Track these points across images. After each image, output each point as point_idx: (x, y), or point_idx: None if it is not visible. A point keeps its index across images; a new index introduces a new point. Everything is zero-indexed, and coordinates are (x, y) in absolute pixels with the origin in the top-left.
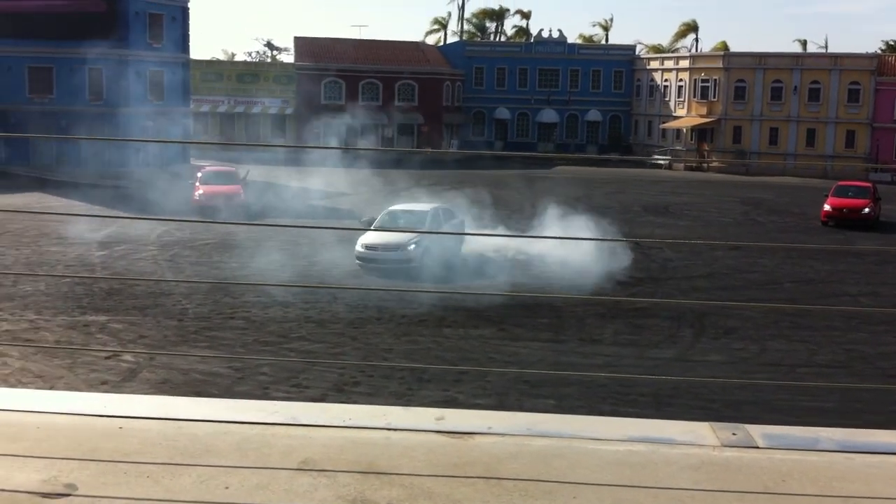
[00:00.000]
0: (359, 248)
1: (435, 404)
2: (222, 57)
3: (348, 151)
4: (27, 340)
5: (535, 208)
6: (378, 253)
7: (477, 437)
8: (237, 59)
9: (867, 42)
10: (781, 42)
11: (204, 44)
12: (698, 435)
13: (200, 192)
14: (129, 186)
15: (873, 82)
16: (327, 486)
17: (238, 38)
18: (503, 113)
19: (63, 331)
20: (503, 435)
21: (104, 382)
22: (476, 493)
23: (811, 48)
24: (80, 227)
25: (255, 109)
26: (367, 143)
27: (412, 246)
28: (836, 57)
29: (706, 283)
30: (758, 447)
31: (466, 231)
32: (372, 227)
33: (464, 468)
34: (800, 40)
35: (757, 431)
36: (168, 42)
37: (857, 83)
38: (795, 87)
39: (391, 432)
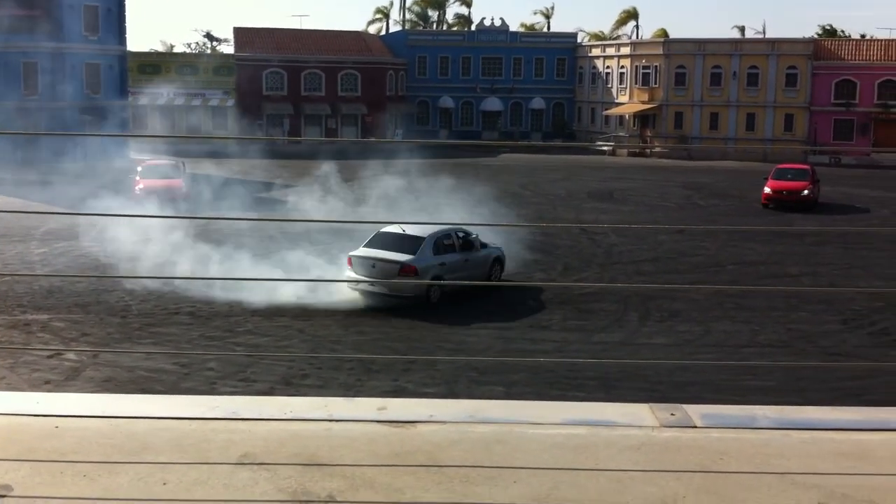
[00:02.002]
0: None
1: (384, 394)
2: (161, 49)
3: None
4: None
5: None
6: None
7: (419, 425)
8: (176, 50)
9: (804, 27)
10: (720, 28)
11: (142, 36)
12: (638, 416)
13: (141, 185)
14: (64, 182)
15: (810, 66)
16: (268, 479)
17: (177, 29)
18: (447, 102)
19: (3, 330)
20: (445, 423)
21: (47, 382)
22: (417, 481)
23: (749, 34)
24: (18, 225)
25: (196, 101)
26: (310, 133)
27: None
28: (774, 42)
29: (651, 268)
30: (696, 427)
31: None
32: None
33: (405, 457)
34: (738, 26)
35: (695, 411)
36: (104, 34)
37: (794, 67)
38: (734, 72)
39: (333, 423)
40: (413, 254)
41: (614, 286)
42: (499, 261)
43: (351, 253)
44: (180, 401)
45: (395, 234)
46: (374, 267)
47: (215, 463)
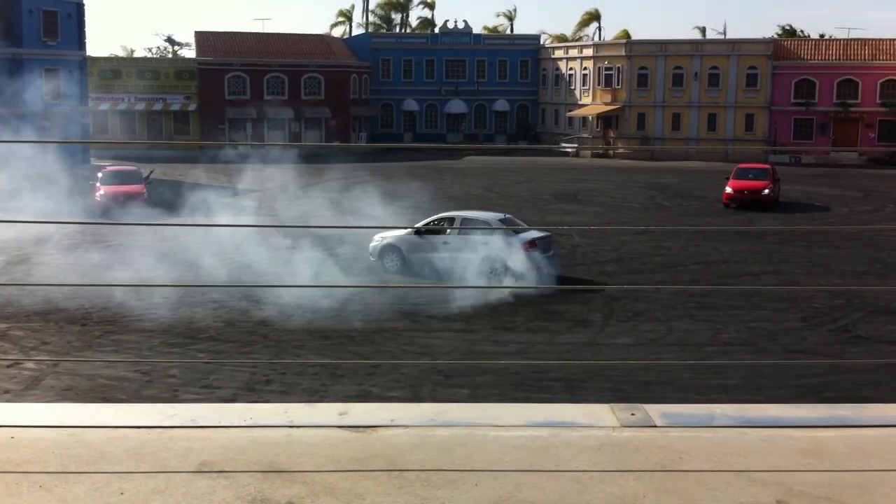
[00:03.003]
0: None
1: (348, 399)
2: (121, 53)
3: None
4: None
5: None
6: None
7: (380, 430)
8: (137, 55)
9: (764, 27)
10: (682, 29)
11: (102, 41)
12: (598, 417)
13: (101, 192)
14: (23, 189)
15: (770, 66)
16: (226, 487)
17: (137, 33)
18: (411, 104)
19: None
20: (406, 427)
21: (6, 391)
22: (378, 486)
23: (710, 34)
24: None
25: (157, 107)
26: (273, 138)
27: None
28: (734, 42)
29: (615, 268)
30: (656, 426)
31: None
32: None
33: (366, 462)
34: (699, 27)
35: (655, 411)
36: (63, 39)
37: (754, 68)
38: (696, 73)
39: (293, 429)
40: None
41: (578, 287)
42: None
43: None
44: (138, 409)
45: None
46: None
47: (174, 471)
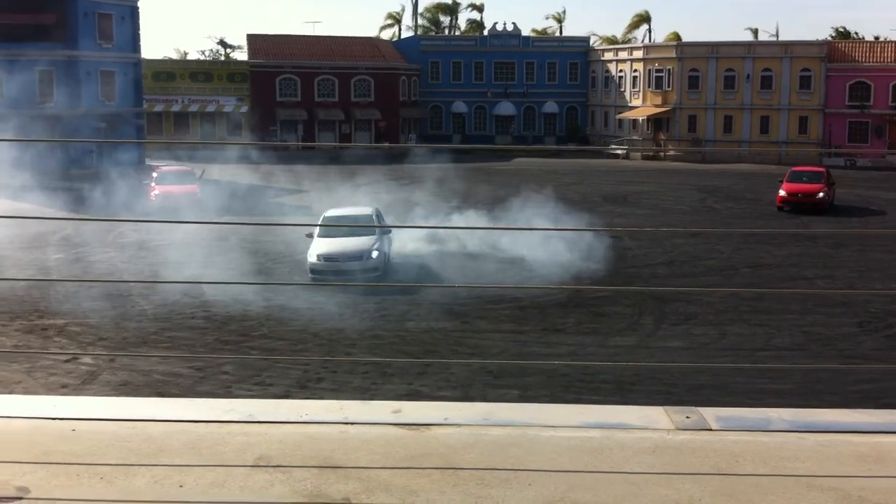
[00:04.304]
0: (313, 259)
1: (399, 398)
2: (175, 56)
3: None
4: None
5: (499, 201)
6: (339, 264)
7: (434, 428)
8: (190, 57)
9: (817, 29)
10: (733, 31)
11: (156, 43)
12: (653, 419)
13: (156, 192)
14: (82, 188)
15: (824, 69)
16: (283, 481)
17: (190, 36)
18: (460, 106)
19: (21, 335)
20: (460, 425)
21: (64, 386)
22: (433, 483)
23: (762, 36)
24: (34, 231)
25: (210, 108)
26: (324, 139)
27: (375, 253)
28: (787, 45)
29: (666, 271)
30: (711, 429)
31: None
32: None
33: (420, 459)
34: (751, 28)
35: (710, 414)
36: (119, 42)
37: (808, 70)
38: (748, 75)
39: (348, 426)
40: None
41: (628, 289)
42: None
43: None
44: (196, 404)
45: None
46: None
47: (231, 465)
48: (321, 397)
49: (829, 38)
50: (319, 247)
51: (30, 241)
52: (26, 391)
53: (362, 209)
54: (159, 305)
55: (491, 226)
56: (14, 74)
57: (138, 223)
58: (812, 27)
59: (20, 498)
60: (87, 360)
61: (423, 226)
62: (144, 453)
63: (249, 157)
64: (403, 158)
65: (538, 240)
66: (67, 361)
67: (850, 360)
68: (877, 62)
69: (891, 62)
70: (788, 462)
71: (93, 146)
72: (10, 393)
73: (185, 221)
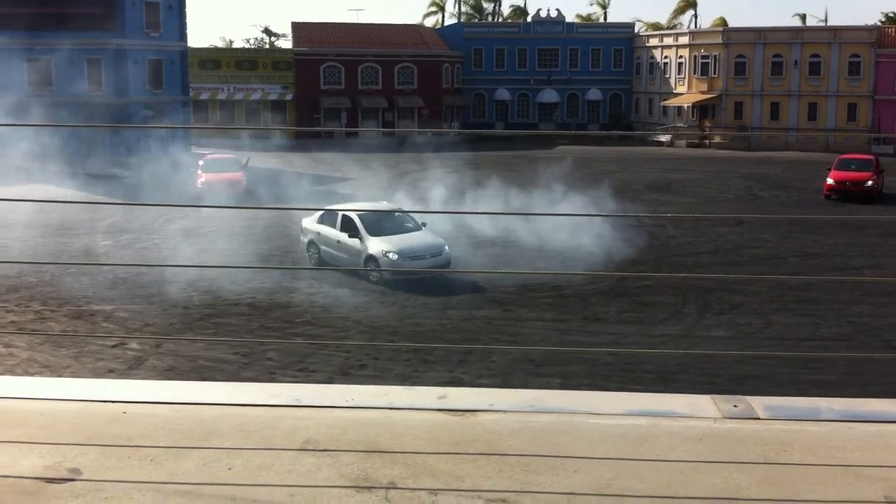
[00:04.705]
0: (393, 256)
1: (440, 385)
2: (220, 44)
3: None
4: (33, 331)
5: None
6: (422, 261)
7: (479, 414)
8: (235, 45)
9: (867, 14)
10: (780, 16)
11: (201, 31)
12: (699, 407)
13: (203, 179)
14: (130, 175)
15: (873, 55)
16: (330, 465)
17: (235, 24)
18: (503, 94)
19: (69, 320)
20: (505, 412)
21: (110, 371)
22: (478, 469)
23: (810, 21)
24: (83, 217)
25: (255, 96)
26: (367, 126)
27: (446, 247)
28: (836, 30)
29: (710, 259)
30: (759, 418)
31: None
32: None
33: (466, 445)
34: (799, 14)
35: (758, 403)
36: (165, 30)
37: (857, 56)
38: (796, 61)
39: (393, 411)
40: None
41: (672, 276)
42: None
43: None
44: (244, 388)
45: None
46: None
47: (279, 449)
48: (362, 383)
49: (879, 24)
50: (388, 243)
51: (76, 227)
52: (74, 375)
53: (377, 205)
54: (205, 292)
55: (530, 212)
56: (63, 64)
57: (184, 208)
58: (861, 12)
59: (72, 479)
60: (134, 345)
61: (452, 211)
62: (194, 436)
63: (293, 145)
64: (443, 147)
65: (583, 227)
66: (114, 346)
67: None
68: None
69: None
70: (837, 452)
71: (139, 134)
72: (59, 377)
73: (223, 206)
